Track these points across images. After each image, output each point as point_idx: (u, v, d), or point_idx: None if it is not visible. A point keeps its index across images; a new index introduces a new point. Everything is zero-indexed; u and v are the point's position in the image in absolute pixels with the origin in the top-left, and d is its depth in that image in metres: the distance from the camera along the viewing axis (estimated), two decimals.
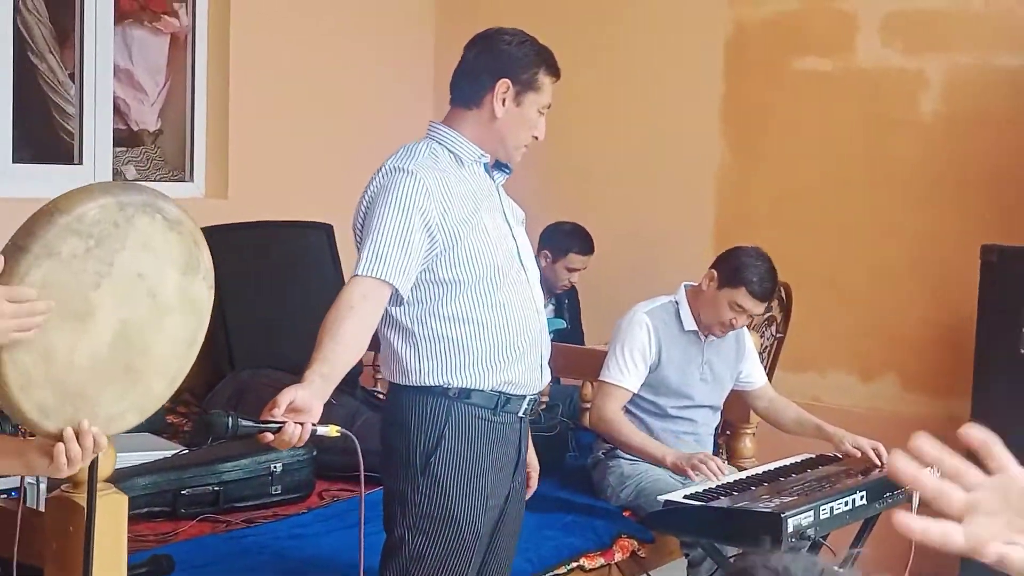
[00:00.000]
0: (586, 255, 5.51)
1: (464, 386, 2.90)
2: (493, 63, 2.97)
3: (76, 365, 2.04)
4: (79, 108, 5.08)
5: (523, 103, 2.97)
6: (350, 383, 4.70)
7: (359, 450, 2.58)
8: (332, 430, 2.55)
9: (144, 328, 2.13)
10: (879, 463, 3.87)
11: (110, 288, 2.05)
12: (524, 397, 3.00)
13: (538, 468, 3.24)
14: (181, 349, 2.23)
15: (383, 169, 2.92)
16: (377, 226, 2.82)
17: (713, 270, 4.05)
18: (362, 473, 2.60)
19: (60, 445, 2.09)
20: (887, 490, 3.69)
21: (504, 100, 2.96)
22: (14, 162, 4.79)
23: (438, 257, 2.87)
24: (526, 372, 2.99)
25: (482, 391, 2.92)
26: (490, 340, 2.92)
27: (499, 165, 3.09)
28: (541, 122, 3.03)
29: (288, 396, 2.50)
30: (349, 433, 2.58)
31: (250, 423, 2.46)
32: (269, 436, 2.48)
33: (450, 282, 2.89)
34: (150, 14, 5.42)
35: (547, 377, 3.10)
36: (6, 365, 1.98)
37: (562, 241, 5.49)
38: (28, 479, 2.78)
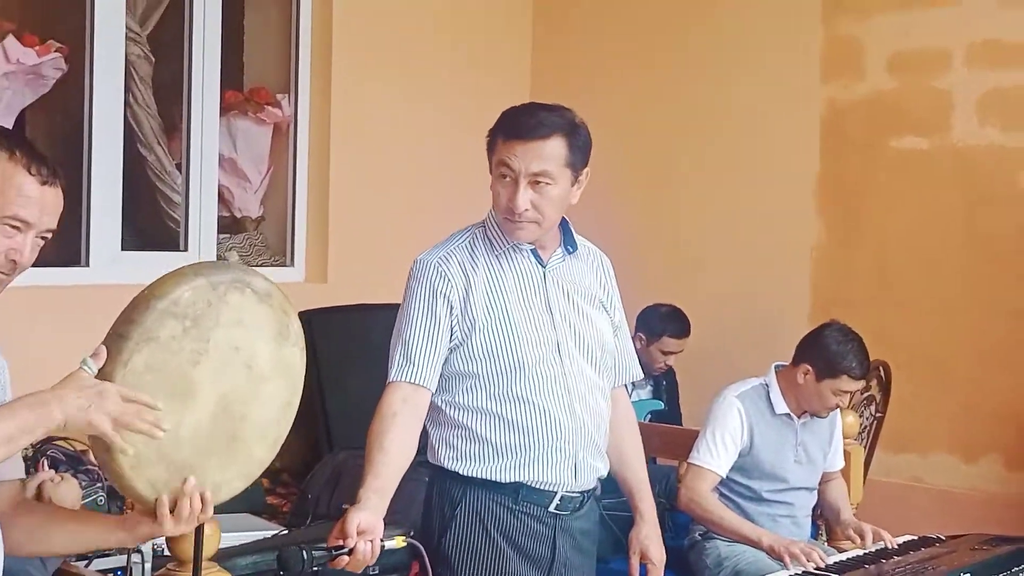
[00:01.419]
0: (681, 338, 5.49)
1: (478, 476, 2.83)
2: None
3: (182, 440, 2.11)
4: (185, 197, 5.23)
5: (493, 170, 2.83)
6: None
7: (424, 555, 2.68)
8: (399, 541, 2.62)
9: (243, 398, 2.20)
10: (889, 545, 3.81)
11: (208, 364, 2.12)
12: (554, 493, 2.87)
13: (662, 559, 3.06)
14: (279, 413, 2.30)
15: (415, 262, 2.87)
16: (407, 325, 2.80)
17: (806, 364, 4.02)
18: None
19: (162, 497, 2.15)
20: (994, 572, 3.60)
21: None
22: (123, 249, 4.93)
23: (455, 349, 2.82)
24: (550, 470, 2.85)
25: (503, 482, 2.83)
26: (506, 434, 2.82)
27: (566, 242, 2.95)
28: (504, 188, 2.78)
29: (354, 522, 2.54)
30: (415, 542, 2.67)
31: (323, 551, 2.54)
32: (344, 559, 2.53)
33: (464, 375, 2.83)
34: (254, 105, 5.59)
35: (586, 476, 2.92)
36: (117, 448, 2.05)
37: (657, 324, 5.48)
38: (134, 559, 2.85)
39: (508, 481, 2.83)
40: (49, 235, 2.16)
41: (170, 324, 2.06)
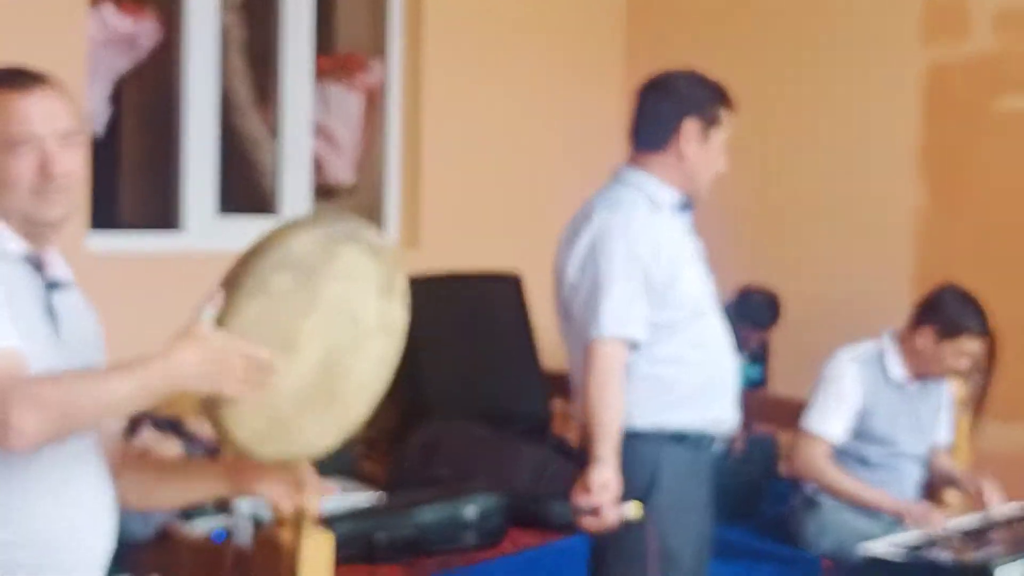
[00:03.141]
0: (758, 330, 5.38)
1: (677, 427, 2.94)
2: (677, 105, 3.07)
3: (284, 392, 2.08)
4: (279, 164, 5.24)
5: (709, 140, 3.09)
6: (540, 431, 4.70)
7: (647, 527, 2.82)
8: (634, 509, 2.82)
9: (346, 353, 2.16)
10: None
11: (316, 318, 2.09)
12: (718, 436, 3.06)
13: None
14: (378, 370, 2.25)
15: (593, 221, 2.99)
16: (609, 283, 2.91)
17: (926, 326, 3.97)
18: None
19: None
20: None
21: (693, 140, 3.04)
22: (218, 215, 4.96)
23: (655, 301, 2.95)
24: (729, 409, 3.06)
25: (692, 431, 2.96)
26: (703, 379, 2.99)
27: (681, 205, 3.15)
28: (723, 152, 3.14)
29: (598, 480, 2.80)
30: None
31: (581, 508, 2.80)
32: (592, 519, 2.79)
33: (665, 325, 2.95)
34: (346, 71, 5.58)
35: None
36: (222, 400, 2.04)
37: (744, 308, 5.35)
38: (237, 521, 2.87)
39: (696, 432, 2.98)
40: (74, 136, 2.10)
41: (283, 276, 2.04)
